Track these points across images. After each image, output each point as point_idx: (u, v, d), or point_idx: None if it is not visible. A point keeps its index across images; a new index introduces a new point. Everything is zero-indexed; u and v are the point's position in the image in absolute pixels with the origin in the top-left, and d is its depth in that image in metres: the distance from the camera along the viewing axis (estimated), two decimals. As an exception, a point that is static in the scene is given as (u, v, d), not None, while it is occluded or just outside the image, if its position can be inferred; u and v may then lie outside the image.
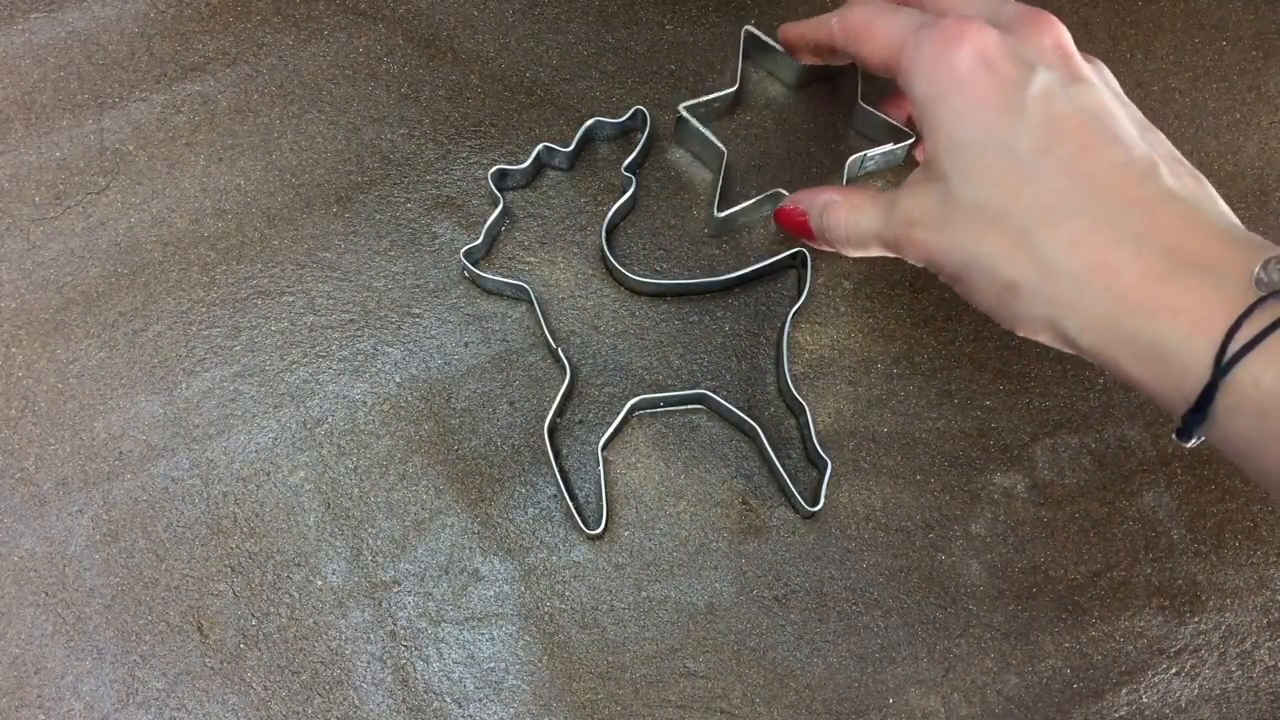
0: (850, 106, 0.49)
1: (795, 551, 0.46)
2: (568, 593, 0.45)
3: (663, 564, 0.45)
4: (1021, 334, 0.37)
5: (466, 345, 0.47)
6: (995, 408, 0.47)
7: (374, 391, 0.47)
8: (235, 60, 0.50)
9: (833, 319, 0.48)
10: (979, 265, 0.36)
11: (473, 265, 0.47)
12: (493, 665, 0.44)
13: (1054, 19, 0.39)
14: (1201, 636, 0.45)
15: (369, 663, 0.44)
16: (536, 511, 0.46)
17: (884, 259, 0.48)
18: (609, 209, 0.47)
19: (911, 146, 0.48)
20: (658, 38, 0.51)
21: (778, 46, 0.48)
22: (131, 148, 0.49)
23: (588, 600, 0.45)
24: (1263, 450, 0.31)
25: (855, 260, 0.48)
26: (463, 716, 0.44)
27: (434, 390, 0.47)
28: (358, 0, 0.51)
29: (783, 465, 0.45)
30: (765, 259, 0.47)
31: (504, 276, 0.47)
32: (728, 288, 0.48)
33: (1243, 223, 0.49)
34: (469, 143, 0.50)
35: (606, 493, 0.45)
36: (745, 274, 0.47)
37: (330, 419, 0.47)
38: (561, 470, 0.46)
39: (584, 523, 0.45)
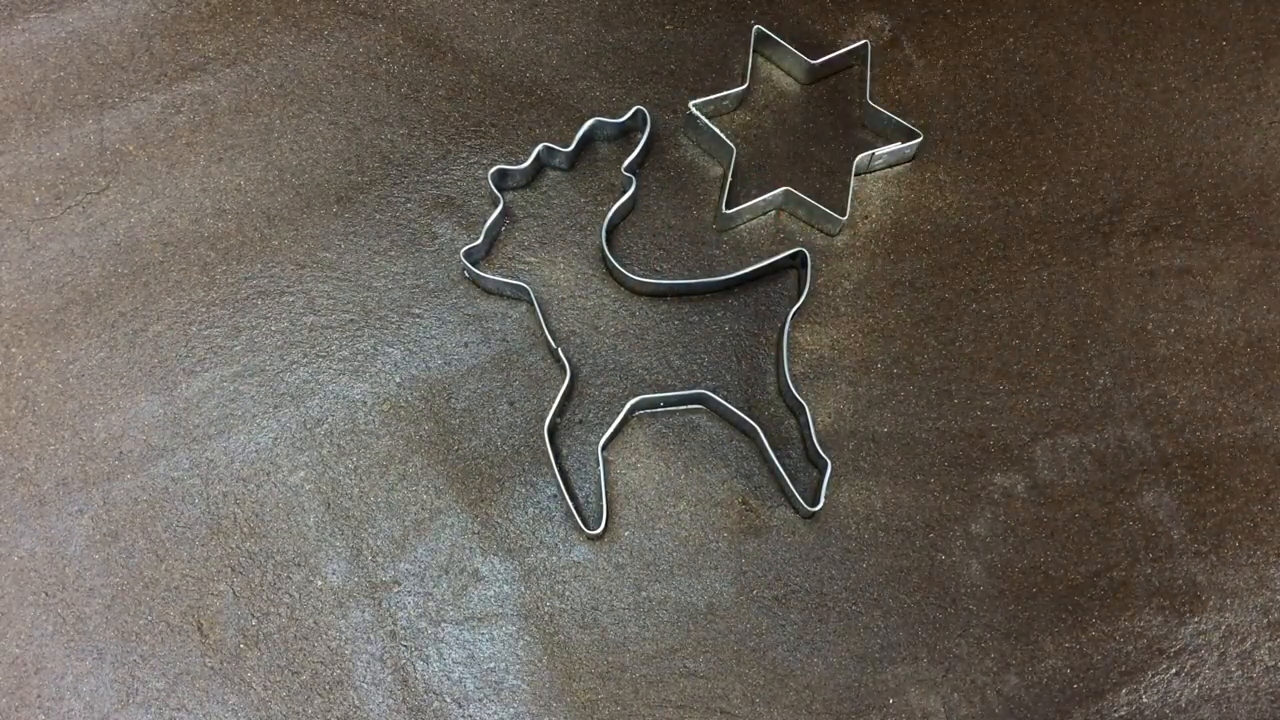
0: (859, 104, 0.49)
1: (795, 551, 0.46)
2: (568, 593, 0.45)
3: (663, 564, 0.45)
4: None
5: (466, 345, 0.47)
6: (995, 408, 0.47)
7: (374, 391, 0.47)
8: (235, 60, 0.50)
9: (833, 319, 0.48)
10: None
11: (473, 265, 0.47)
12: (493, 665, 0.44)
13: None
14: (1201, 636, 0.45)
15: (369, 663, 0.44)
16: (536, 511, 0.46)
17: (882, 258, 0.48)
18: (609, 209, 0.47)
19: (920, 145, 0.48)
20: (658, 38, 0.51)
21: (787, 44, 0.48)
22: (131, 148, 0.49)
23: (588, 600, 0.45)
24: None
25: (855, 260, 0.48)
26: (463, 716, 0.44)
27: (434, 390, 0.47)
28: (358, 0, 0.51)
29: (783, 465, 0.45)
30: (765, 259, 0.47)
31: (504, 276, 0.47)
32: (728, 288, 0.48)
33: (1243, 223, 0.50)
34: (469, 143, 0.50)
35: (606, 493, 0.45)
36: (745, 274, 0.47)
37: (330, 419, 0.47)
38: (561, 470, 0.45)
39: (584, 523, 0.45)
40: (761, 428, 0.45)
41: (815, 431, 0.45)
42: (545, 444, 0.45)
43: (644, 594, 0.45)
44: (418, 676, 0.44)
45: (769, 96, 0.50)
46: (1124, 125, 0.50)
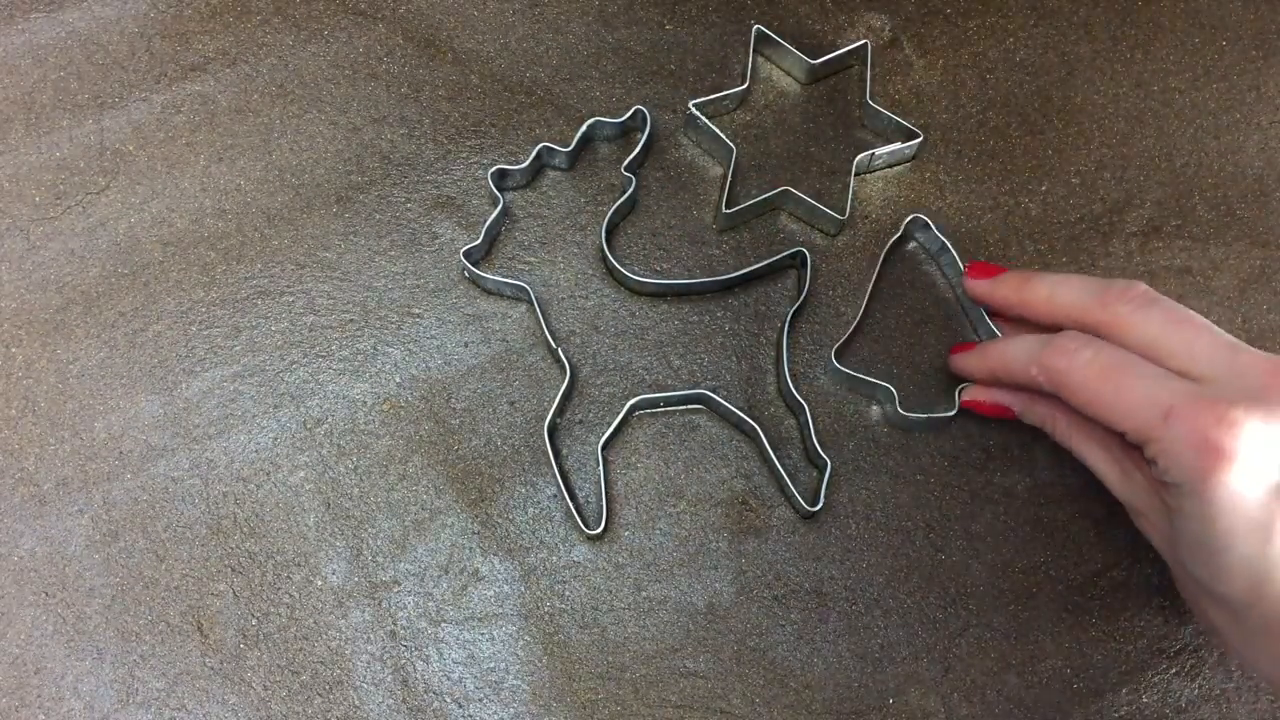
0: (859, 104, 0.49)
1: (795, 551, 0.46)
2: (568, 593, 0.45)
3: (663, 564, 0.45)
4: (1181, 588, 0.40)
5: (466, 345, 0.47)
6: (995, 408, 0.47)
7: (374, 391, 0.47)
8: (235, 60, 0.50)
9: (833, 319, 0.48)
10: (1193, 580, 0.38)
11: (473, 265, 0.47)
12: (493, 665, 0.44)
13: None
14: (1201, 636, 0.45)
15: (369, 663, 0.44)
16: (536, 511, 0.46)
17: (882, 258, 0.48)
18: (609, 209, 0.47)
19: (920, 145, 0.48)
20: (658, 38, 0.51)
21: (787, 44, 0.48)
22: (131, 148, 0.49)
23: (588, 600, 0.45)
24: None
25: (855, 260, 0.48)
26: (463, 716, 0.44)
27: (434, 390, 0.47)
28: (358, 0, 0.51)
29: (783, 465, 0.45)
30: (765, 259, 0.47)
31: (504, 276, 0.47)
32: (728, 288, 0.48)
33: (1243, 223, 0.49)
34: (469, 143, 0.50)
35: (606, 493, 0.45)
36: (745, 274, 0.47)
37: (330, 419, 0.47)
38: (561, 470, 0.46)
39: (584, 523, 0.45)
40: (761, 428, 0.45)
41: (815, 431, 0.45)
42: (545, 444, 0.45)
43: (644, 594, 0.45)
44: (418, 676, 0.44)
45: (769, 96, 0.50)
46: (1124, 125, 0.50)
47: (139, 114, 0.50)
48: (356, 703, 0.44)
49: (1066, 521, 0.46)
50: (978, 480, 0.46)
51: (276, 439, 0.46)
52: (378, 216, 0.49)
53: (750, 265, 0.47)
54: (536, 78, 0.50)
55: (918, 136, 0.48)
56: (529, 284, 0.47)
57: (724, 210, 0.47)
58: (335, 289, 0.48)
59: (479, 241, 0.47)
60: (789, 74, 0.50)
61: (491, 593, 0.45)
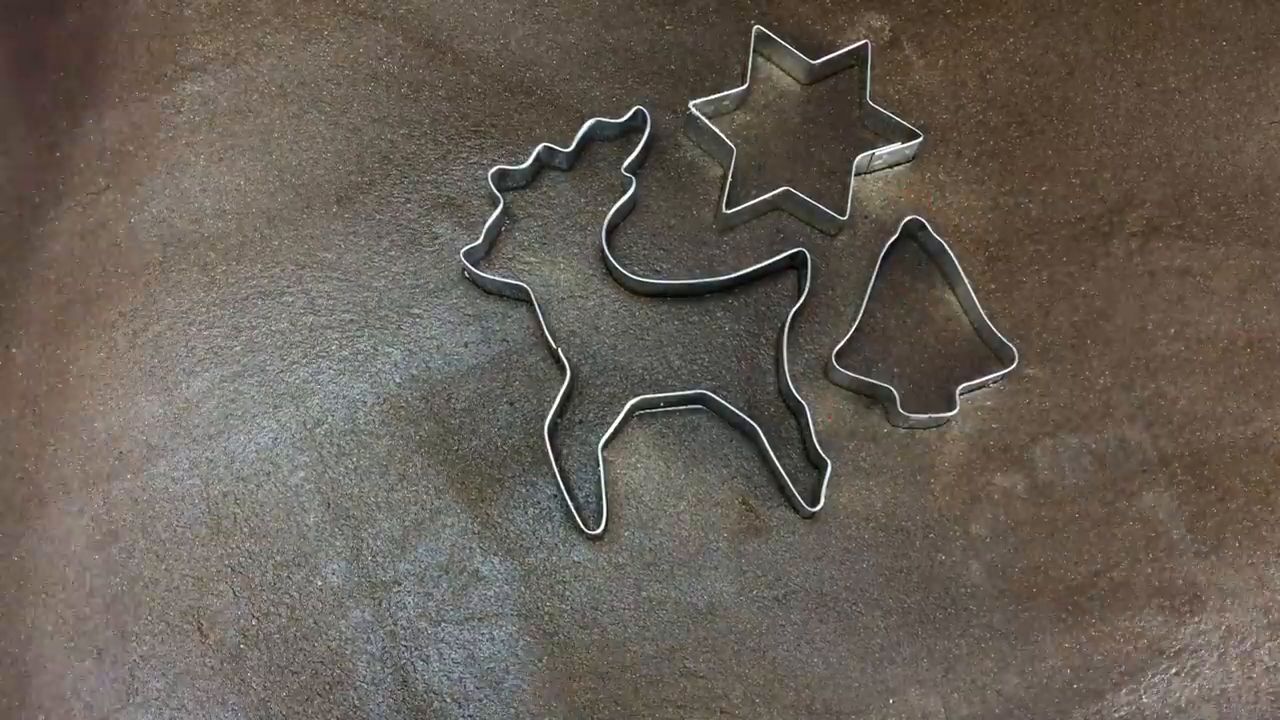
0: (859, 104, 0.49)
1: (795, 551, 0.46)
2: (568, 593, 0.45)
3: (663, 564, 0.45)
4: None
5: (466, 345, 0.47)
6: (995, 407, 0.47)
7: (374, 391, 0.47)
8: (235, 60, 0.50)
9: (833, 319, 0.48)
10: None
11: (473, 265, 0.47)
12: (493, 665, 0.44)
13: None
14: (1201, 636, 0.45)
15: (369, 663, 0.44)
16: (536, 511, 0.46)
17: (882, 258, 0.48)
18: (609, 209, 0.47)
19: (920, 145, 0.48)
20: (658, 38, 0.51)
21: (787, 44, 0.48)
22: (131, 148, 0.49)
23: (588, 600, 0.45)
24: None
25: (855, 260, 0.48)
26: (463, 716, 0.44)
27: (434, 390, 0.47)
28: (358, 0, 0.51)
29: (783, 465, 0.45)
30: (765, 259, 0.47)
31: (504, 276, 0.47)
32: (728, 288, 0.48)
33: (1243, 223, 0.49)
34: (469, 143, 0.50)
35: (606, 493, 0.45)
36: (745, 274, 0.47)
37: (330, 419, 0.47)
38: (561, 470, 0.45)
39: (584, 523, 0.45)
40: (761, 428, 0.45)
41: (815, 431, 0.45)
42: (545, 444, 0.45)
43: (644, 594, 0.45)
44: (418, 676, 0.44)
45: (769, 96, 0.50)
46: (1124, 125, 0.50)
47: (139, 114, 0.50)
48: (356, 703, 0.44)
49: (1066, 521, 0.46)
50: (978, 480, 0.46)
51: (276, 439, 0.46)
52: (378, 216, 0.49)
53: (750, 265, 0.47)
54: (536, 78, 0.50)
55: (918, 136, 0.48)
56: (529, 284, 0.47)
57: (724, 210, 0.47)
58: (335, 289, 0.48)
59: (479, 241, 0.47)
60: (789, 74, 0.50)
61: (491, 593, 0.45)
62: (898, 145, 0.48)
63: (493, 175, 0.47)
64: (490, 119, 0.50)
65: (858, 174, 0.49)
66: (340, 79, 0.50)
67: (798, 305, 0.47)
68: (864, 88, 0.49)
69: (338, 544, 0.45)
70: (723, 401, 0.46)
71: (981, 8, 0.51)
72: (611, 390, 0.47)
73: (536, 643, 0.45)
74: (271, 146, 0.49)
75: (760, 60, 0.50)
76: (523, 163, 0.47)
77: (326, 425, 0.46)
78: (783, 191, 0.47)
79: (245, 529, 0.45)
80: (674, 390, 0.46)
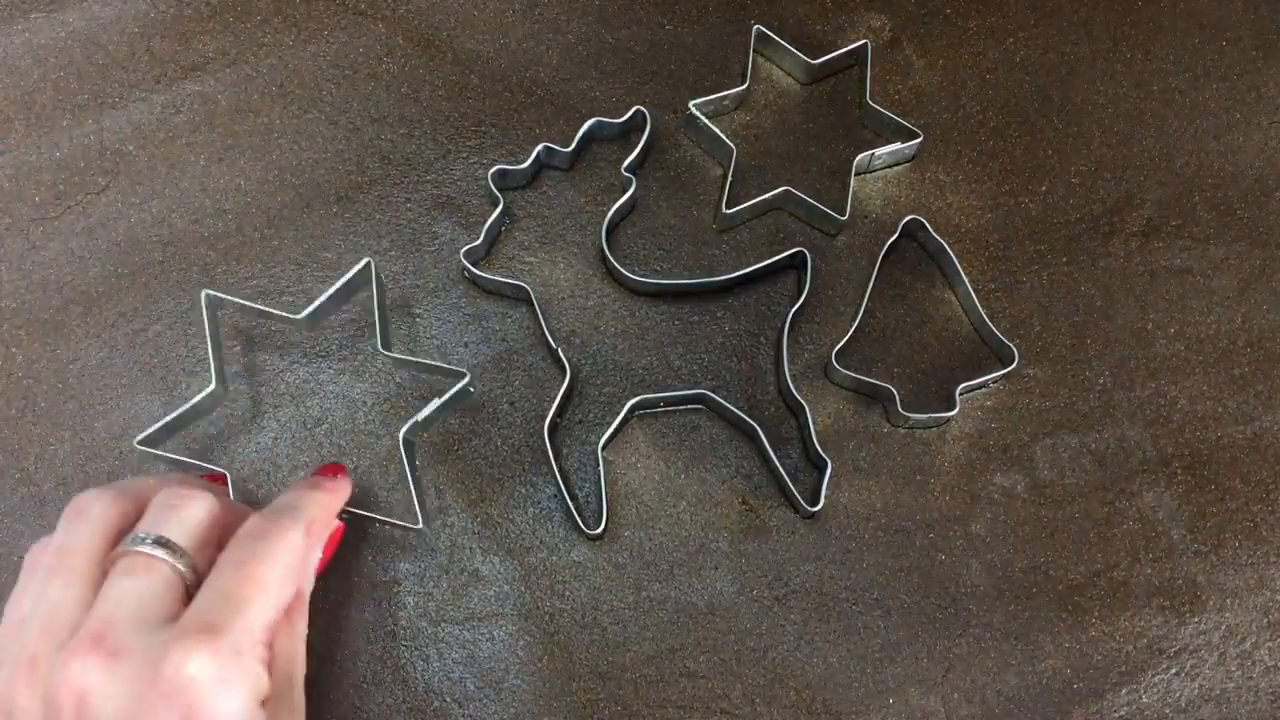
0: (859, 104, 0.49)
1: (795, 551, 0.46)
2: (568, 593, 0.45)
3: (663, 564, 0.45)
4: None
5: (466, 345, 0.47)
6: (995, 407, 0.47)
7: (374, 391, 0.47)
8: (235, 60, 0.50)
9: (833, 319, 0.48)
10: None
11: (473, 265, 0.47)
12: (493, 665, 0.44)
13: None
14: (1201, 636, 0.45)
15: (369, 663, 0.44)
16: (536, 511, 0.46)
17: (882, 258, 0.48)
18: (609, 209, 0.47)
19: (920, 145, 0.48)
20: (658, 38, 0.51)
21: (787, 44, 0.48)
22: (131, 148, 0.49)
23: (588, 600, 0.45)
24: None
25: (855, 260, 0.48)
26: (463, 716, 0.44)
27: (434, 390, 0.47)
28: (358, 0, 0.51)
29: (783, 465, 0.45)
30: (765, 259, 0.47)
31: (504, 276, 0.47)
32: (728, 288, 0.48)
33: (1243, 223, 0.49)
34: (469, 143, 0.50)
35: (606, 493, 0.45)
36: (745, 274, 0.47)
37: (330, 419, 0.47)
38: (561, 470, 0.45)
39: (584, 523, 0.45)
40: (761, 428, 0.45)
41: (815, 431, 0.45)
42: (545, 444, 0.45)
43: (644, 594, 0.45)
44: (418, 676, 0.44)
45: (769, 96, 0.50)
46: (1124, 125, 0.50)
47: (139, 114, 0.50)
48: (356, 703, 0.44)
49: (1066, 521, 0.46)
50: (978, 480, 0.46)
51: (276, 439, 0.46)
52: (378, 216, 0.49)
53: (750, 265, 0.47)
54: (536, 78, 0.50)
55: (918, 136, 0.48)
56: (529, 284, 0.47)
57: (724, 210, 0.47)
58: (335, 289, 0.48)
59: (479, 241, 0.47)
60: (789, 74, 0.50)
61: (491, 593, 0.45)
62: (897, 145, 0.48)
63: (493, 175, 0.47)
64: (490, 119, 0.50)
65: (858, 174, 0.49)
66: (340, 79, 0.50)
67: (798, 305, 0.47)
68: (864, 88, 0.49)
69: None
70: (723, 401, 0.46)
71: (981, 8, 0.51)
72: (611, 390, 0.47)
73: (536, 643, 0.45)
74: (271, 146, 0.49)
75: (760, 60, 0.50)
76: (523, 163, 0.47)
77: (326, 425, 0.46)
78: (783, 191, 0.47)
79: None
80: (674, 390, 0.46)
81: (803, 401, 0.45)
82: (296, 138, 0.49)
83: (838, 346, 0.46)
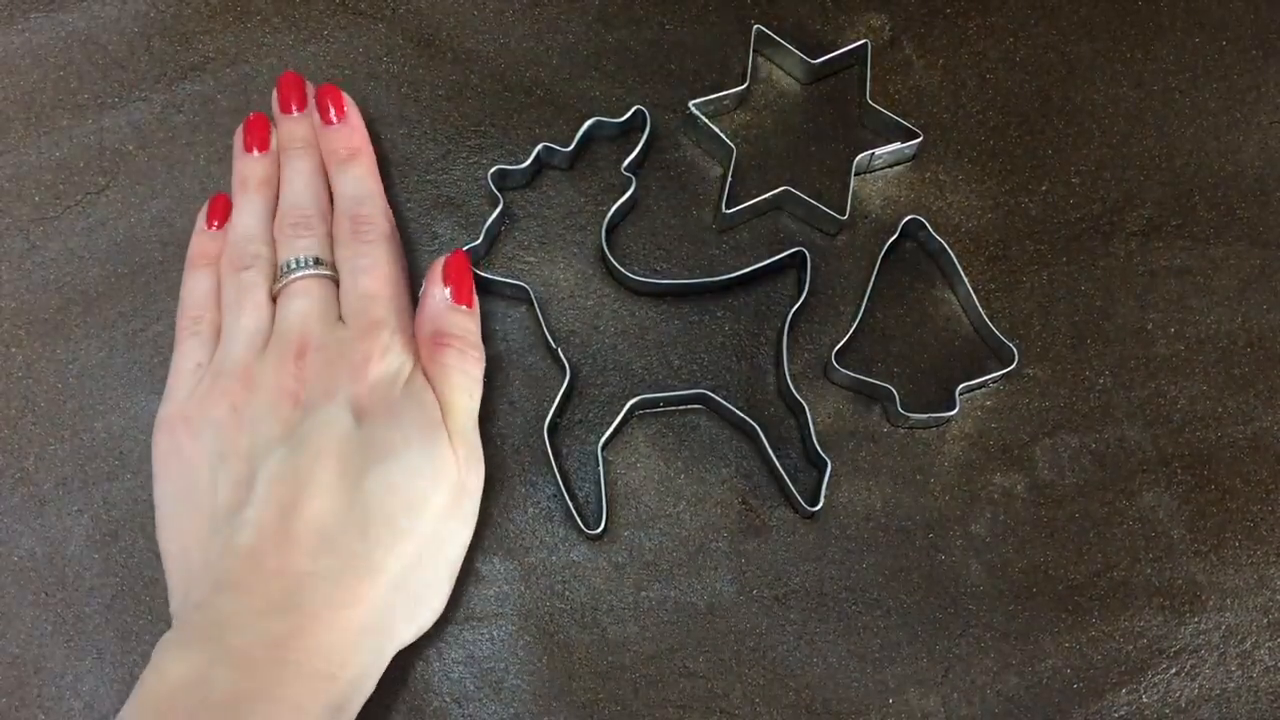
0: (859, 104, 0.49)
1: (795, 551, 0.46)
2: (568, 593, 0.45)
3: (663, 564, 0.45)
4: None
5: (466, 345, 0.47)
6: (995, 407, 0.47)
7: (374, 391, 0.47)
8: (235, 60, 0.50)
9: (832, 319, 0.48)
10: None
11: (473, 265, 0.47)
12: (493, 665, 0.44)
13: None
14: (1201, 636, 0.45)
15: (369, 663, 0.44)
16: (536, 511, 0.46)
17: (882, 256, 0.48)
18: (609, 209, 0.47)
19: (920, 145, 0.48)
20: (658, 38, 0.51)
21: (787, 44, 0.48)
22: (131, 148, 0.49)
23: (588, 600, 0.45)
24: None
25: (855, 260, 0.48)
26: (463, 716, 0.44)
27: (434, 390, 0.47)
28: (358, 0, 0.51)
29: (783, 465, 0.45)
30: (765, 259, 0.47)
31: (504, 276, 0.47)
32: (728, 288, 0.48)
33: (1243, 223, 0.49)
34: (469, 143, 0.50)
35: (606, 493, 0.45)
36: (745, 274, 0.47)
37: (330, 419, 0.46)
38: (561, 470, 0.46)
39: (584, 523, 0.45)
40: (761, 428, 0.45)
41: (815, 431, 0.45)
42: (545, 444, 0.45)
43: (644, 594, 0.45)
44: (417, 676, 0.44)
45: (769, 96, 0.50)
46: (1124, 125, 0.50)
47: (139, 114, 0.50)
48: (356, 703, 0.44)
49: (1066, 521, 0.46)
50: (978, 480, 0.46)
51: (276, 439, 0.46)
52: (378, 216, 0.49)
53: (750, 265, 0.47)
54: (536, 78, 0.50)
55: (918, 136, 0.48)
56: (529, 284, 0.47)
57: (724, 210, 0.47)
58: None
59: (479, 241, 0.47)
60: (789, 74, 0.50)
61: (491, 592, 0.45)
62: (897, 145, 0.48)
63: (492, 175, 0.47)
64: (490, 119, 0.50)
65: (858, 174, 0.49)
66: (340, 79, 0.50)
67: (798, 305, 0.47)
68: (864, 87, 0.49)
69: (338, 544, 0.45)
70: (723, 401, 0.46)
71: (981, 8, 0.51)
72: (611, 390, 0.47)
73: (536, 643, 0.45)
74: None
75: (760, 60, 0.50)
76: (523, 162, 0.47)
77: (326, 425, 0.46)
78: (783, 191, 0.47)
79: (245, 529, 0.45)
80: (674, 390, 0.46)
81: (802, 401, 0.45)
82: (296, 138, 0.49)
83: (837, 346, 0.46)
